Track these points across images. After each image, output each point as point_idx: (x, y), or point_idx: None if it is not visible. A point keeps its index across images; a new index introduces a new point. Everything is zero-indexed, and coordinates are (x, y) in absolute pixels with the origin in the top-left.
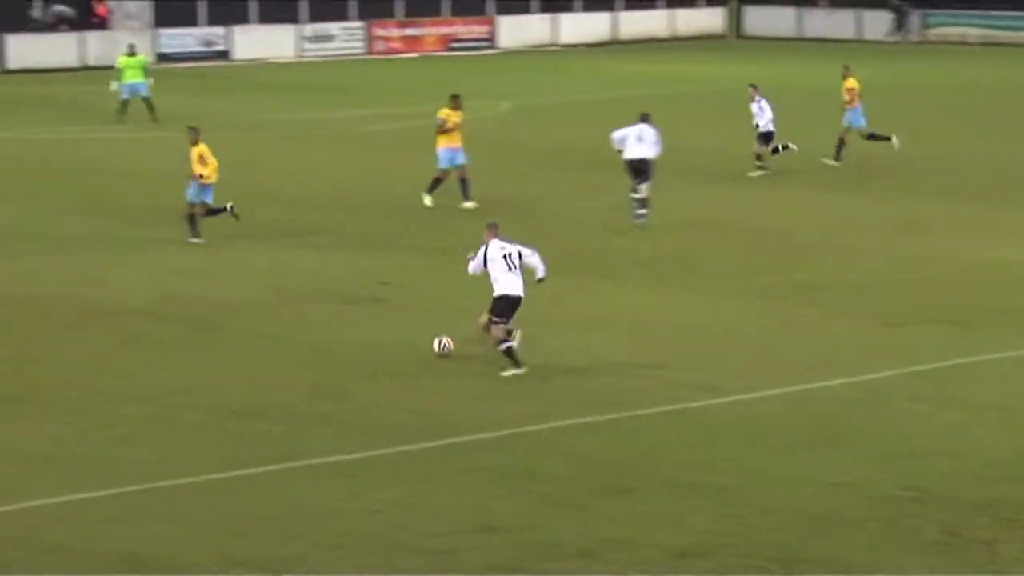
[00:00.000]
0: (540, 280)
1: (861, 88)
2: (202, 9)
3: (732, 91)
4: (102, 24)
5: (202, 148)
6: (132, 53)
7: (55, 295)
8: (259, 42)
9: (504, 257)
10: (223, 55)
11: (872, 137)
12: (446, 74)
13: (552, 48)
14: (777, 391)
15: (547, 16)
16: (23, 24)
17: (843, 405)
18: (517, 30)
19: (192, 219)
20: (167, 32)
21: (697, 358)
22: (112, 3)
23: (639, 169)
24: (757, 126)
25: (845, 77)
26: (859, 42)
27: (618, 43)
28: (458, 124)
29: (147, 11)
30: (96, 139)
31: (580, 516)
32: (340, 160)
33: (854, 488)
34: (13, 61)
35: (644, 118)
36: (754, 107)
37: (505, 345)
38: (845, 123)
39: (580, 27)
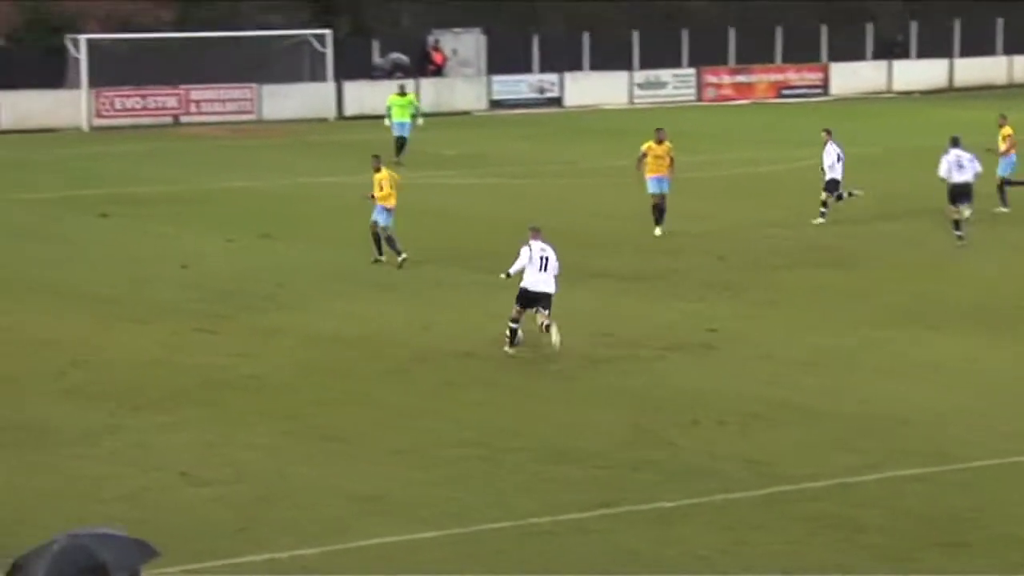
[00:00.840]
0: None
1: None
2: (535, 56)
3: None
4: (438, 71)
5: (384, 175)
6: (402, 93)
7: (384, 338)
8: (591, 89)
9: (541, 258)
10: (555, 102)
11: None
12: (777, 121)
13: (886, 95)
14: None
15: (881, 63)
16: (363, 72)
17: None
18: (850, 77)
19: (377, 239)
20: (500, 79)
21: None
22: (447, 51)
23: (962, 193)
24: (823, 171)
25: (1001, 125)
26: None
27: (954, 90)
28: (662, 156)
29: (481, 58)
30: (424, 184)
31: (908, 569)
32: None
33: None
34: (350, 107)
35: (955, 142)
36: (826, 153)
37: (514, 326)
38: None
39: (915, 74)
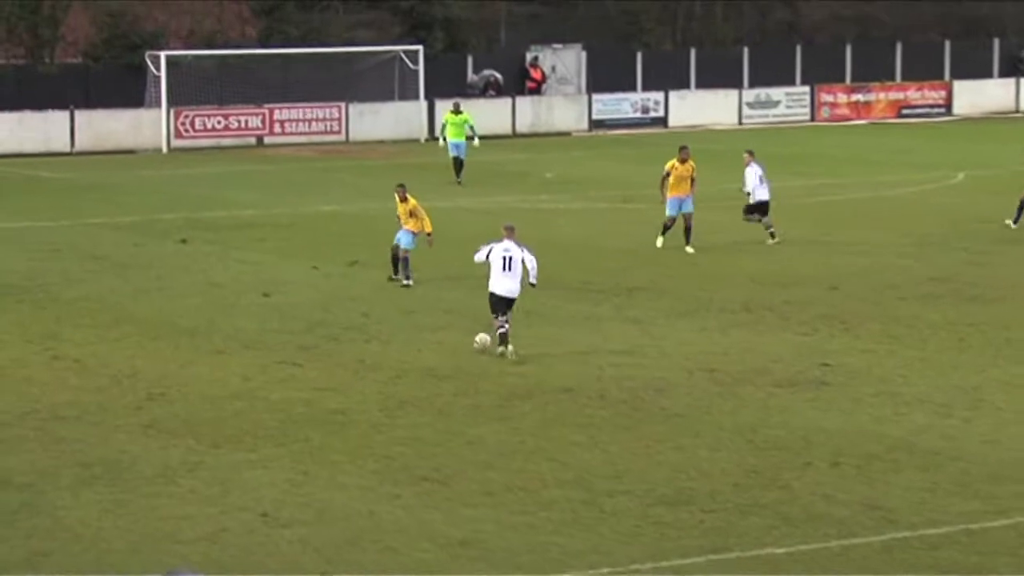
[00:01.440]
0: (531, 284)
1: None
2: (639, 73)
3: None
4: (536, 89)
5: (412, 204)
6: (457, 111)
7: (479, 371)
8: (698, 108)
9: (504, 258)
10: (659, 122)
11: None
12: (897, 142)
13: (1014, 115)
14: None
15: (1008, 81)
16: (456, 90)
17: None
18: (975, 96)
19: (395, 260)
20: (601, 98)
21: None
22: (546, 68)
23: None
24: (747, 193)
25: None
26: None
27: None
28: (684, 176)
29: (582, 75)
30: (520, 208)
31: None
32: (782, 233)
33: None
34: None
35: None
36: (748, 175)
37: (501, 330)
38: None
39: None
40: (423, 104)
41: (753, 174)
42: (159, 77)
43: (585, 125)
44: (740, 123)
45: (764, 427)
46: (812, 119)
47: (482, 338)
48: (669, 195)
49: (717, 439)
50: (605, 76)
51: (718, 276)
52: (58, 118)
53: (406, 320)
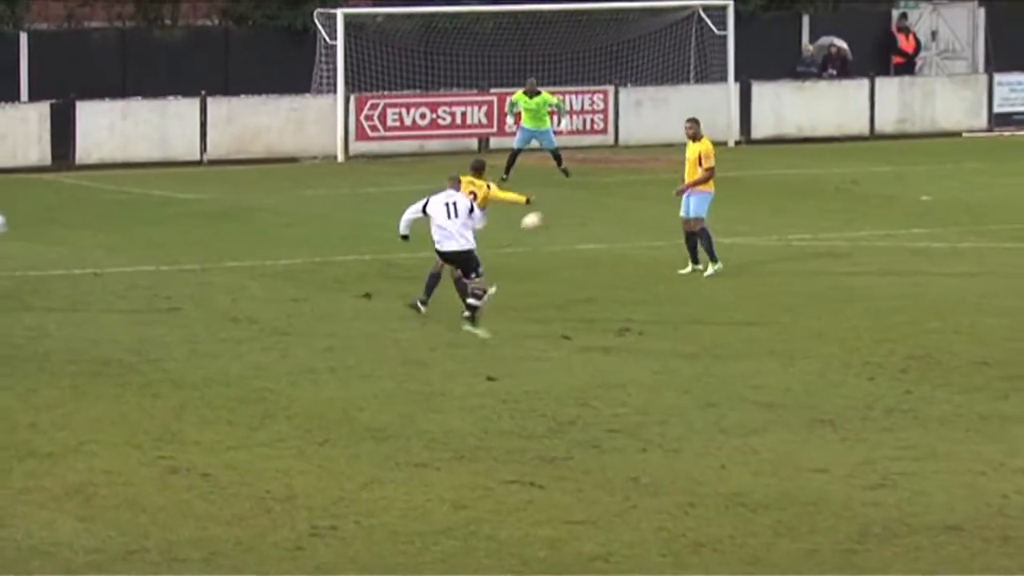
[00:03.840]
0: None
1: None
2: None
3: None
4: (906, 65)
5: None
6: (533, 92)
7: (815, 498)
8: None
9: (447, 204)
10: None
11: None
12: None
13: None
14: None
15: None
16: (788, 67)
17: None
18: None
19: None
20: (1007, 79)
21: None
22: (923, 34)
23: None
24: None
25: None
26: None
27: None
28: None
29: (978, 46)
30: (885, 247)
31: None
32: None
33: None
34: (758, 125)
35: None
36: None
37: (471, 300)
38: None
39: None
40: (733, 89)
41: None
42: (334, 47)
43: (983, 121)
44: None
45: None
46: None
47: (530, 220)
48: None
49: None
50: (1014, 48)
51: None
52: (182, 109)
53: (703, 417)
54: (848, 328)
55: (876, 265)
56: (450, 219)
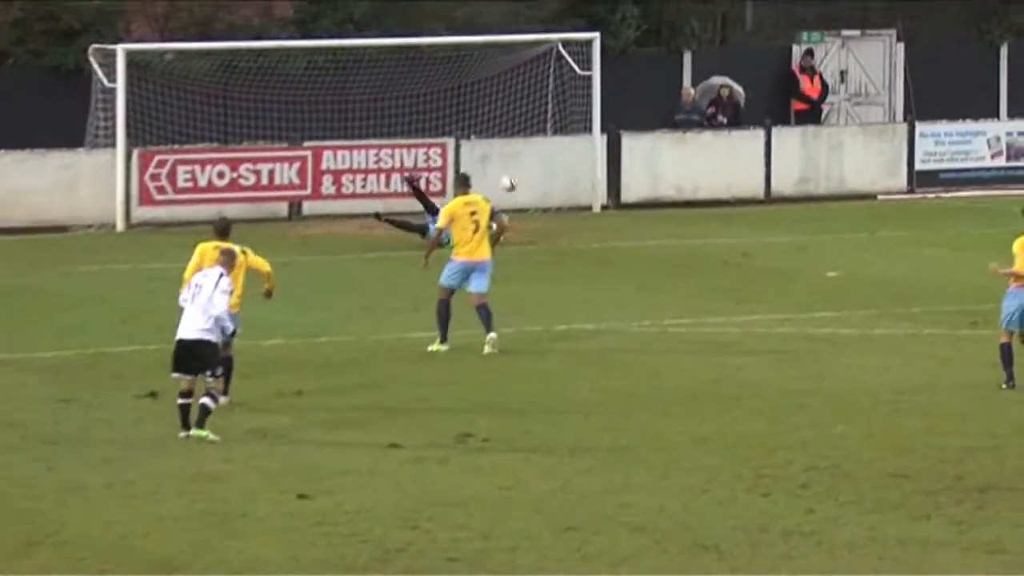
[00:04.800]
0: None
1: None
2: (1003, 84)
3: None
4: (810, 113)
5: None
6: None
7: None
8: None
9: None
10: None
11: None
12: None
13: None
14: None
15: None
16: (664, 116)
17: None
18: None
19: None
20: (933, 130)
21: None
22: (829, 72)
23: None
24: None
25: None
26: None
27: None
28: None
29: (896, 86)
30: (790, 334)
31: None
32: None
33: None
34: (629, 187)
35: None
36: None
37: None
38: None
39: None
40: (599, 141)
41: None
42: (113, 90)
43: (902, 181)
44: None
45: None
46: None
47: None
48: None
49: None
50: (938, 89)
51: None
52: None
53: (560, 543)
54: (737, 433)
55: (771, 356)
56: (191, 303)
